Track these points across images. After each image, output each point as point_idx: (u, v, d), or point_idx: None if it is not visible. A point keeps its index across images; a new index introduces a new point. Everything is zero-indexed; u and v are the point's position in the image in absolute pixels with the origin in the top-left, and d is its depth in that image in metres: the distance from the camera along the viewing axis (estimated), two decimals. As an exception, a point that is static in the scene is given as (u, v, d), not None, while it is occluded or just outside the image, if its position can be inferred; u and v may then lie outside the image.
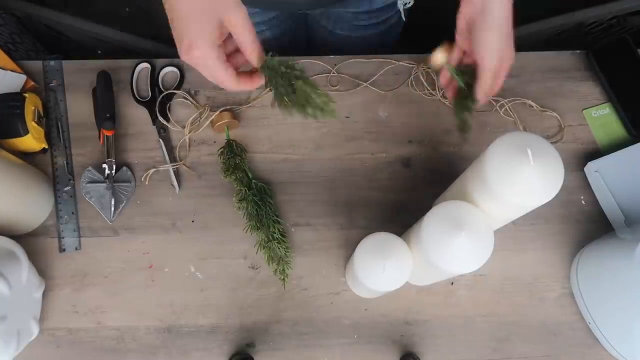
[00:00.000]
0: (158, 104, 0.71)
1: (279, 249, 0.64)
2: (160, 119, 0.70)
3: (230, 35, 0.47)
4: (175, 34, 0.46)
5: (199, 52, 0.45)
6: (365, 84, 0.73)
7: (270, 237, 0.64)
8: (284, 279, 0.64)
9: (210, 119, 0.69)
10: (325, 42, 0.88)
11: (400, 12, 0.76)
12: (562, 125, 0.72)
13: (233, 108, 0.71)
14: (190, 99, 0.71)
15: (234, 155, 0.68)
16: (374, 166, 0.70)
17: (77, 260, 0.65)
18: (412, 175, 0.70)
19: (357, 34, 0.82)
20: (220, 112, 0.69)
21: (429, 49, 0.77)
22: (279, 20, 0.81)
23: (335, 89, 0.73)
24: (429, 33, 0.80)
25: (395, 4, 0.75)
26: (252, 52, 0.47)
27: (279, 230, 0.64)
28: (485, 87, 0.53)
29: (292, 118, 0.71)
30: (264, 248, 0.64)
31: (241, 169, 0.67)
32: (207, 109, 0.70)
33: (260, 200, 0.65)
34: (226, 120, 0.68)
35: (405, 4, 0.73)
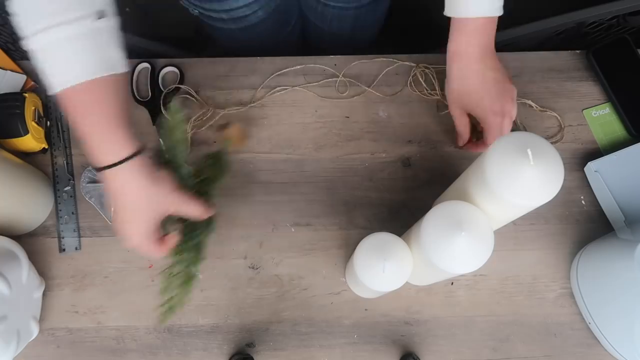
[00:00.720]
0: (158, 103, 0.71)
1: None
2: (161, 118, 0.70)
3: None
4: (116, 214, 0.52)
5: (137, 242, 0.52)
6: (368, 89, 0.73)
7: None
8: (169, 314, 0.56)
9: (220, 123, 0.67)
10: (317, 15, 0.87)
11: None
12: (562, 125, 0.72)
13: (233, 109, 0.71)
14: (196, 95, 0.71)
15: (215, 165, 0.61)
16: (374, 166, 0.70)
17: (77, 260, 0.65)
18: (412, 175, 0.70)
19: (351, 5, 0.81)
20: (234, 125, 0.67)
21: (427, 48, 0.77)
22: None
23: (335, 89, 0.73)
24: (420, 32, 0.80)
25: None
26: (202, 214, 0.55)
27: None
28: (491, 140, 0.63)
29: (292, 118, 0.72)
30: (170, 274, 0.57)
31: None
32: (210, 109, 0.69)
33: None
34: (236, 135, 0.67)
35: None
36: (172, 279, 0.56)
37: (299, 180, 0.69)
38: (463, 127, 0.66)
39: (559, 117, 0.72)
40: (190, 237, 0.57)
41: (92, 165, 0.48)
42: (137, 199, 0.50)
